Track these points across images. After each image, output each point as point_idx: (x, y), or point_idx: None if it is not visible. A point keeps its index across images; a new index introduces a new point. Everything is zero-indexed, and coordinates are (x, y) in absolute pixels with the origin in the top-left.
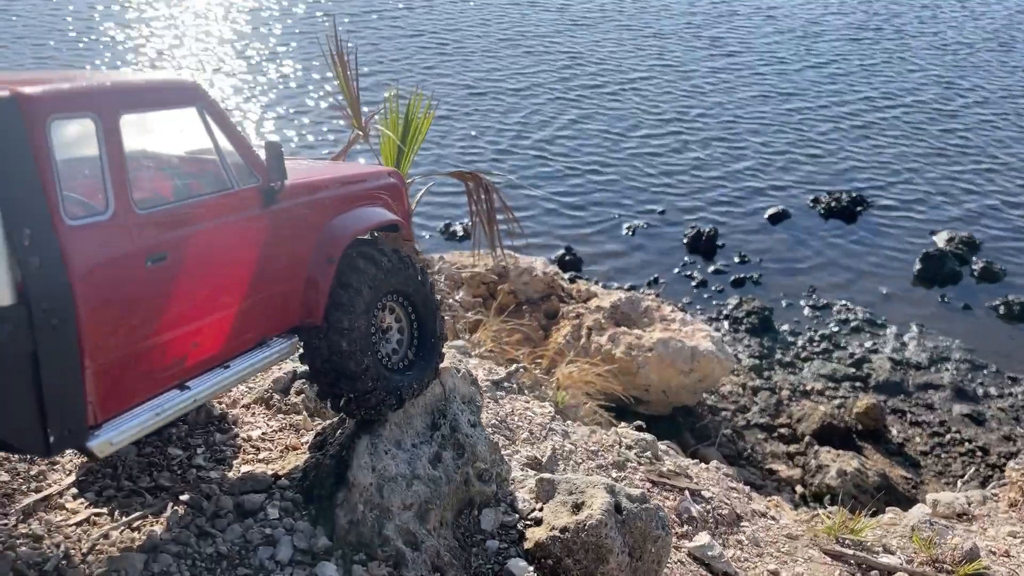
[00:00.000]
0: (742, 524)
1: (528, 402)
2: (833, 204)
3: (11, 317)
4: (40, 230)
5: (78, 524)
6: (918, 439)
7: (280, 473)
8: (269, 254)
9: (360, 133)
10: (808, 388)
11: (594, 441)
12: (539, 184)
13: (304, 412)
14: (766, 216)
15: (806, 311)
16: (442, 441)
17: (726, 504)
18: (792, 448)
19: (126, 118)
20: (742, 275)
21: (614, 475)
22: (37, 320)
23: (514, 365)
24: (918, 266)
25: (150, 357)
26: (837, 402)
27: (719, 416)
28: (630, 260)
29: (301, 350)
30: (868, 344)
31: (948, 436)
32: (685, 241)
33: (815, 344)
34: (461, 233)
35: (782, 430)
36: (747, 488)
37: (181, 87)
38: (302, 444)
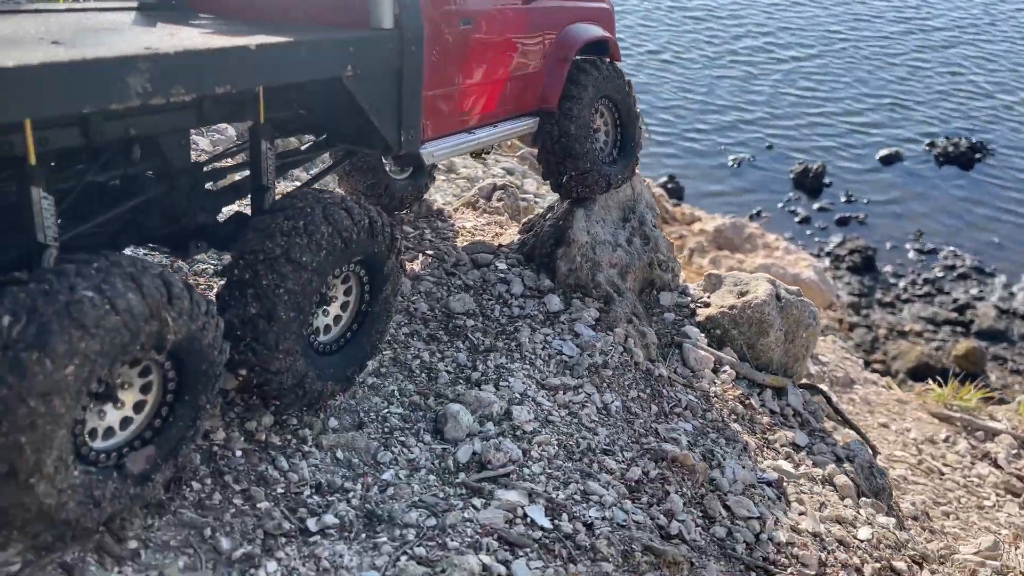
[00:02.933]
0: (855, 387)
1: None
2: (950, 149)
3: (391, 38)
4: None
5: None
6: (1018, 387)
7: (501, 244)
8: (525, 43)
9: None
10: (906, 329)
11: None
12: (648, 111)
13: (505, 214)
14: (878, 157)
15: (911, 254)
16: (632, 231)
17: (841, 368)
18: (884, 383)
19: None
20: (847, 214)
21: None
22: (405, 44)
23: None
24: None
25: (454, 100)
26: (935, 344)
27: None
28: (733, 192)
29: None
30: (974, 291)
31: None
32: (791, 177)
33: (917, 287)
34: None
35: (876, 366)
36: (860, 361)
37: None
38: (507, 233)
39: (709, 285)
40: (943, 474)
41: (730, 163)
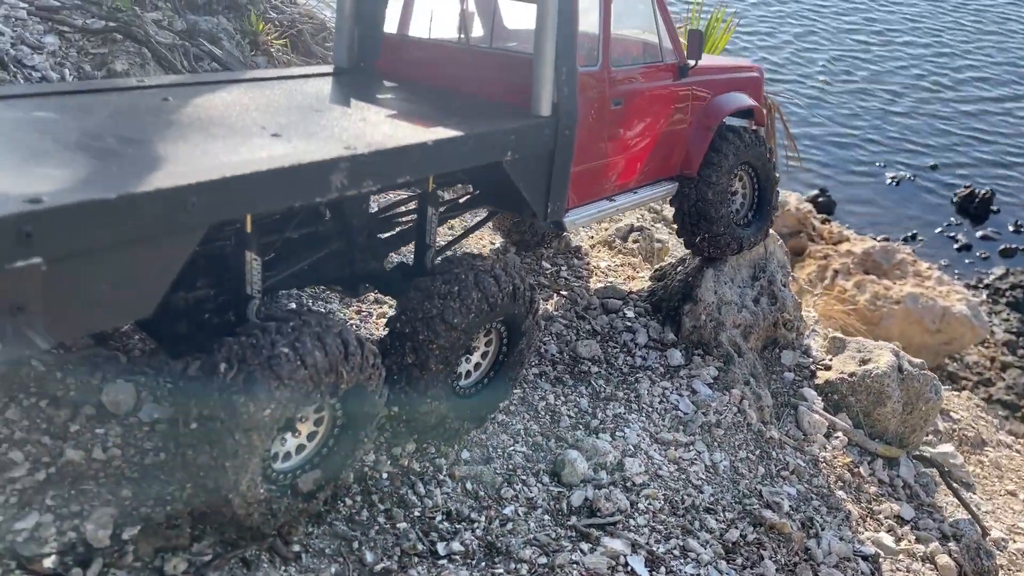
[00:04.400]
0: (986, 448)
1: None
2: None
3: (548, 124)
4: (569, 70)
5: None
6: None
7: (631, 289)
8: (672, 116)
9: None
10: None
11: None
12: (806, 119)
13: (640, 256)
14: None
15: None
16: (760, 290)
17: (973, 428)
18: None
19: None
20: (1013, 245)
21: None
22: (560, 128)
23: None
24: None
25: (598, 173)
26: None
27: (959, 384)
28: (889, 211)
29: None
30: None
31: None
32: (955, 200)
33: None
34: None
35: None
36: (996, 421)
37: None
38: (639, 276)
39: (832, 348)
40: None
41: (888, 180)
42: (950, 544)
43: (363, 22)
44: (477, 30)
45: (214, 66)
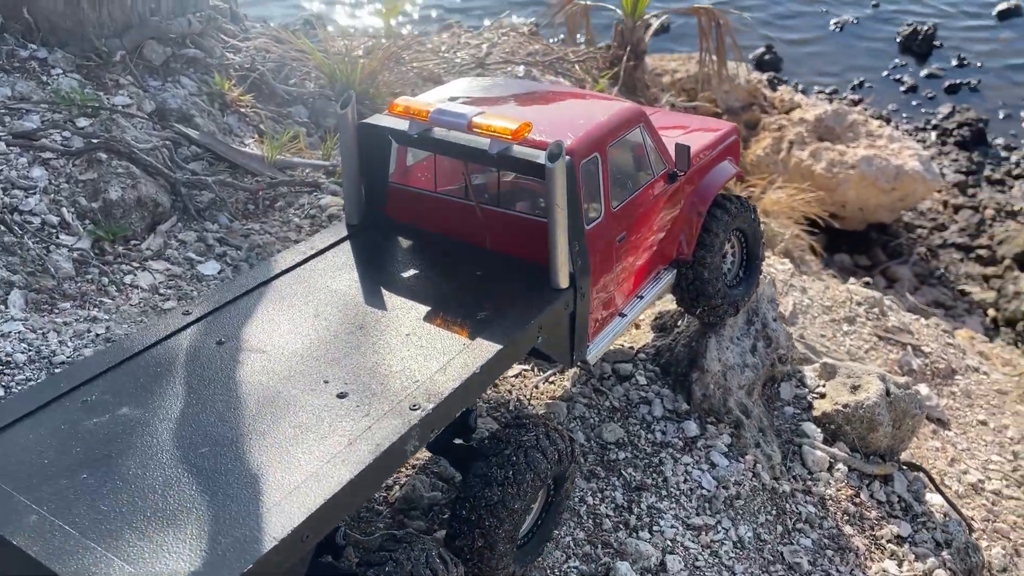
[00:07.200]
0: (956, 378)
1: (768, 258)
2: None
3: (566, 295)
4: (579, 238)
5: (515, 376)
6: None
7: (635, 347)
8: (666, 215)
9: None
10: (1016, 209)
11: (828, 297)
12: None
13: None
14: (995, 12)
15: None
16: (756, 334)
17: (943, 359)
18: (989, 270)
19: (611, 147)
20: (958, 80)
21: (845, 328)
22: (577, 295)
23: None
24: None
25: (611, 301)
26: None
27: (915, 234)
28: (835, 60)
29: None
30: None
31: None
32: (898, 40)
33: None
34: (658, 28)
35: (980, 251)
36: (962, 344)
37: (635, 114)
38: (642, 322)
39: (824, 373)
40: None
41: (831, 27)
42: (943, 553)
43: (369, 175)
44: (483, 187)
45: (195, 150)
